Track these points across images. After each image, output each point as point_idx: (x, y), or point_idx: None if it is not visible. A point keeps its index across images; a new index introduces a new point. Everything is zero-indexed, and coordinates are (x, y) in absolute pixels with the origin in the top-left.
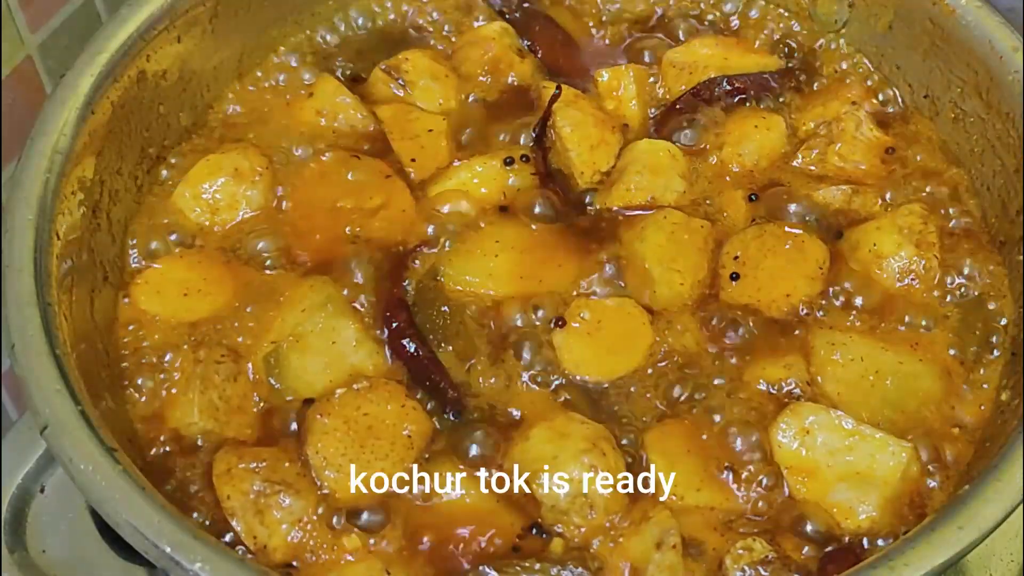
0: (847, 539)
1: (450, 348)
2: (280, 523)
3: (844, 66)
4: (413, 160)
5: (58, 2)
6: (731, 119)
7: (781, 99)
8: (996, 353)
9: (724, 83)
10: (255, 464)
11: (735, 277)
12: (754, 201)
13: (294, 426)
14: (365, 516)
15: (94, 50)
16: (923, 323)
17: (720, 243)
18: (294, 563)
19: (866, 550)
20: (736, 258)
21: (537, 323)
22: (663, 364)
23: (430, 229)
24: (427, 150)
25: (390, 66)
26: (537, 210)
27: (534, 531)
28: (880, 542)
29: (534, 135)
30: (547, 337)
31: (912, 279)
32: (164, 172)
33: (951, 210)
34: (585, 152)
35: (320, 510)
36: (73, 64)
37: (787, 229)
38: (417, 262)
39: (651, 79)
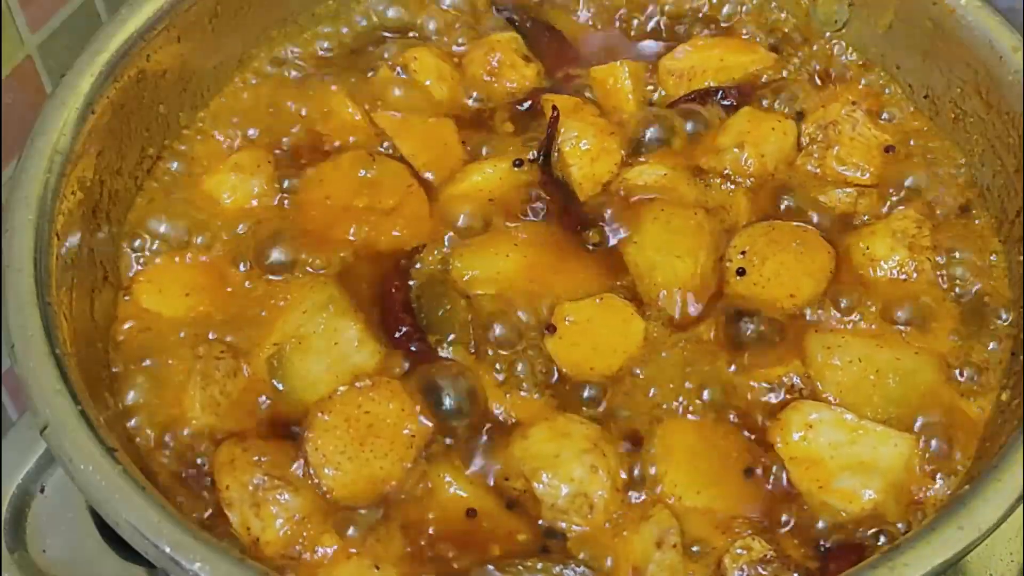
0: (851, 531)
1: (453, 346)
2: (275, 518)
3: (844, 66)
4: (425, 165)
5: (58, 2)
6: (745, 120)
7: (778, 101)
8: (996, 353)
9: (718, 94)
10: (258, 457)
11: (741, 272)
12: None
13: (295, 422)
14: (362, 514)
15: (94, 50)
16: (921, 323)
17: (726, 237)
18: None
19: (868, 546)
20: (743, 253)
21: (540, 325)
22: (665, 361)
23: (442, 230)
24: (439, 154)
25: (397, 64)
26: (540, 219)
27: (544, 533)
28: (882, 539)
29: (541, 157)
30: (546, 340)
31: (906, 280)
32: (164, 172)
33: (950, 210)
34: (586, 165)
35: (317, 507)
36: (73, 64)
37: (795, 227)
38: (419, 264)
39: (649, 86)
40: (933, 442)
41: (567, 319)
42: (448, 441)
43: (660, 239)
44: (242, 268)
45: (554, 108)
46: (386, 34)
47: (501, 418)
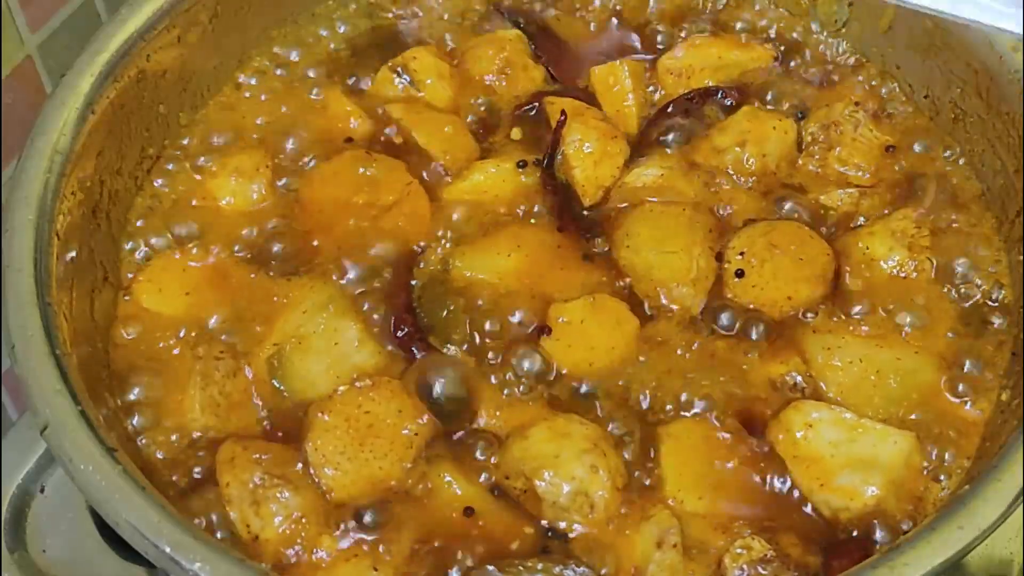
0: (851, 530)
1: (452, 347)
2: (274, 516)
3: (844, 66)
4: (443, 153)
5: (58, 2)
6: (746, 119)
7: (784, 104)
8: (996, 353)
9: (719, 94)
10: (259, 455)
11: (740, 274)
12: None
13: (295, 422)
14: (361, 514)
15: (94, 50)
16: (920, 323)
17: (725, 234)
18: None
19: (869, 545)
20: (741, 255)
21: (539, 325)
22: (665, 362)
23: (442, 228)
24: (454, 145)
25: (397, 64)
26: (542, 220)
27: (545, 532)
28: (882, 535)
29: (545, 159)
30: (543, 341)
31: (905, 280)
32: (164, 172)
33: (950, 210)
34: (589, 168)
35: (316, 507)
36: (73, 64)
37: (795, 228)
38: (423, 264)
39: (650, 88)
40: (933, 441)
41: (560, 319)
42: (449, 441)
43: (654, 238)
44: (242, 268)
45: (563, 112)
46: (386, 34)
47: (502, 419)
